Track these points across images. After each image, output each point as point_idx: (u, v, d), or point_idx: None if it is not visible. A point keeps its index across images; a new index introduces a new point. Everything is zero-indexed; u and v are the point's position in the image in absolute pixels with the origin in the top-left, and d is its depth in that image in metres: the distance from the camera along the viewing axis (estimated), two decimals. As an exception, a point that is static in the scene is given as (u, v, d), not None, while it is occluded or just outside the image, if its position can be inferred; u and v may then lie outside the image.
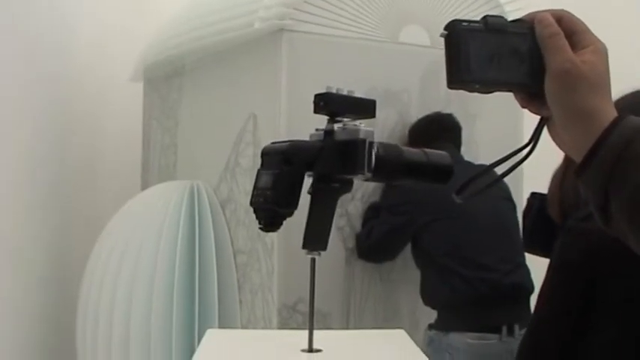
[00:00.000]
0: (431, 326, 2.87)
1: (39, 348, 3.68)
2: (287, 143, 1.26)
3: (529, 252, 2.97)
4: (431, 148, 1.33)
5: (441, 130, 3.01)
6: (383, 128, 2.99)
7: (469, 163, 2.95)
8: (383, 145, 1.26)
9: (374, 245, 2.92)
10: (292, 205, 1.25)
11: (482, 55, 0.92)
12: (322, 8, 2.86)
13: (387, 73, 3.00)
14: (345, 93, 1.27)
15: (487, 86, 0.95)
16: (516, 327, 2.75)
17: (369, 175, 1.24)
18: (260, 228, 1.28)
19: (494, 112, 3.16)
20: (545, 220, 2.83)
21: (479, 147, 3.19)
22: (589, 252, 1.87)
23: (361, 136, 1.24)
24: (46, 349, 3.74)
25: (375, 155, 1.24)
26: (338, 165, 1.25)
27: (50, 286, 3.79)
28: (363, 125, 1.26)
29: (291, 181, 1.26)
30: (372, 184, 2.98)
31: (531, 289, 2.89)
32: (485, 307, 2.79)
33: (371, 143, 1.24)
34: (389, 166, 1.25)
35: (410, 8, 3.05)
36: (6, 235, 3.30)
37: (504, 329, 2.76)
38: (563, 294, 1.98)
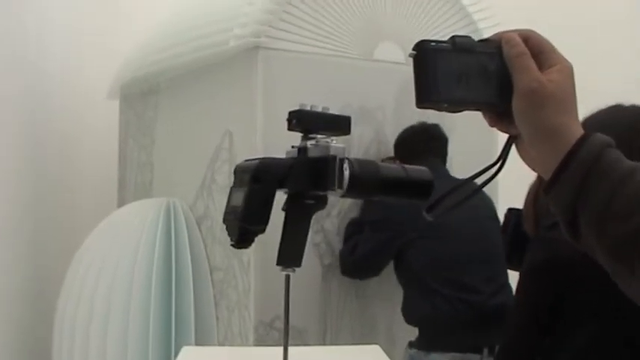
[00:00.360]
0: (411, 344, 2.83)
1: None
2: (257, 161, 1.26)
3: (507, 268, 2.98)
4: (416, 160, 1.33)
5: (427, 140, 2.98)
6: (359, 145, 2.99)
7: (454, 179, 2.93)
8: (358, 162, 1.26)
9: (359, 261, 2.89)
10: (262, 222, 1.25)
11: (450, 74, 0.92)
12: (298, 26, 2.87)
13: (362, 90, 3.01)
14: (319, 110, 1.27)
15: (455, 105, 0.94)
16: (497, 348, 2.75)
17: (341, 191, 1.23)
18: (232, 245, 1.28)
19: (468, 127, 3.17)
20: (522, 236, 2.84)
21: (452, 162, 3.19)
22: (553, 260, 1.89)
23: (332, 152, 1.23)
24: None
25: (350, 171, 1.24)
26: (309, 182, 1.25)
27: (27, 302, 3.75)
28: (335, 142, 1.26)
29: (261, 198, 1.25)
30: (348, 200, 2.98)
31: None
32: (466, 327, 2.77)
33: (342, 160, 1.23)
34: (364, 182, 1.25)
35: (385, 25, 3.06)
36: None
37: (485, 350, 2.75)
38: (532, 302, 1.99)
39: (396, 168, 1.29)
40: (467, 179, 1.04)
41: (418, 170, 1.29)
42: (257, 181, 1.25)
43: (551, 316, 1.91)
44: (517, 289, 2.03)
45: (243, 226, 1.26)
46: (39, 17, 3.90)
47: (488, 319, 2.77)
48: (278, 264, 1.26)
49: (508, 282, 2.90)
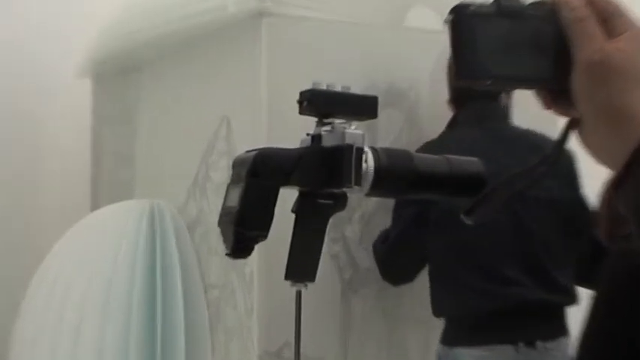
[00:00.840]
0: (440, 340, 2.91)
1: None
2: (256, 151, 1.26)
3: (581, 284, 2.99)
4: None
5: None
6: (386, 133, 3.00)
7: (516, 140, 2.93)
8: (387, 152, 1.26)
9: (392, 247, 2.93)
10: (262, 226, 1.25)
11: (494, 45, 0.92)
12: (310, -13, 2.88)
13: (389, 65, 3.02)
14: (338, 89, 1.28)
15: (501, 83, 0.97)
16: (539, 343, 2.81)
17: (359, 188, 1.24)
18: (227, 254, 1.29)
19: (530, 107, 3.15)
20: (595, 248, 2.86)
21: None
22: (635, 280, 1.87)
23: (347, 140, 1.23)
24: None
25: (376, 164, 1.24)
26: (319, 177, 1.25)
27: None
28: (353, 127, 1.26)
29: (260, 196, 1.26)
30: (373, 202, 2.99)
31: (567, 302, 2.92)
32: (500, 322, 2.84)
33: (360, 149, 1.23)
34: (394, 177, 1.25)
35: (417, -14, 3.07)
36: None
37: (521, 344, 2.82)
38: (608, 333, 1.98)
39: (436, 159, 1.28)
40: (514, 175, 1.04)
41: (466, 162, 1.29)
42: (255, 176, 1.25)
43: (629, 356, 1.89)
44: (590, 314, 2.02)
45: (239, 231, 1.26)
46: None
47: (527, 312, 2.85)
48: (287, 278, 1.26)
49: (557, 276, 2.94)
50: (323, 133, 1.26)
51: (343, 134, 1.24)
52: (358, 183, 1.22)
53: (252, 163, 1.26)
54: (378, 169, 1.23)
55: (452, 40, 0.93)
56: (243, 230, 1.25)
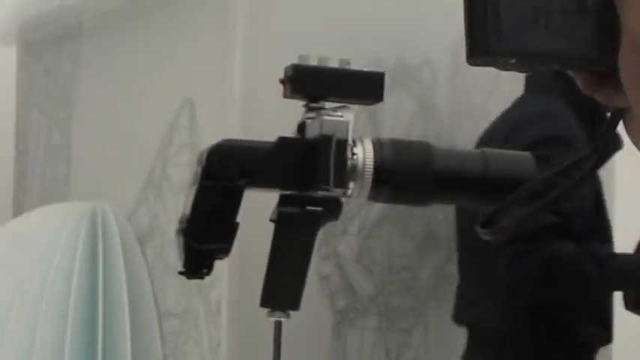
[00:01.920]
0: None
1: None
2: (214, 144, 1.28)
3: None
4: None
5: None
6: (394, 121, 3.02)
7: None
8: (394, 144, 1.25)
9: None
10: (218, 239, 1.27)
11: (520, 12, 0.90)
12: None
13: (399, 38, 3.05)
14: (332, 64, 1.28)
15: (529, 61, 0.94)
16: None
17: (362, 191, 1.24)
18: (180, 272, 1.30)
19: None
20: None
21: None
22: None
23: (324, 130, 1.25)
24: None
25: (377, 160, 1.24)
26: (291, 177, 1.25)
27: None
28: (339, 114, 1.26)
29: (215, 202, 1.27)
30: (375, 210, 3.01)
31: None
32: None
33: (341, 142, 1.24)
34: (403, 177, 1.25)
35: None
36: None
37: None
38: None
39: (468, 155, 1.26)
40: (552, 174, 1.06)
41: (510, 157, 1.27)
42: (210, 176, 1.27)
43: None
44: None
45: (190, 245, 1.28)
46: None
47: None
48: (263, 305, 1.29)
49: None
50: (307, 121, 1.27)
51: (321, 122, 1.25)
52: (340, 184, 1.21)
53: (205, 160, 1.27)
54: (379, 166, 1.22)
55: (466, 10, 0.91)
56: (195, 243, 1.28)
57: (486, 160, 1.24)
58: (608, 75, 0.92)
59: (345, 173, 1.23)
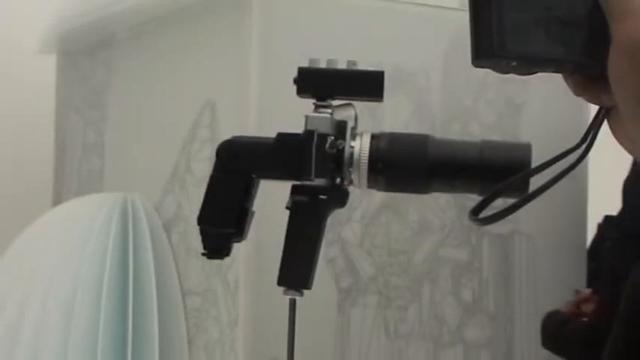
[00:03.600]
0: None
1: None
2: (224, 141, 1.29)
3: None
4: None
5: None
6: (393, 121, 3.01)
7: None
8: (391, 137, 1.24)
9: None
10: (224, 223, 1.29)
11: (521, 20, 0.91)
12: (308, -47, 2.90)
13: (397, 45, 3.03)
14: (341, 66, 1.28)
15: (528, 64, 0.95)
16: None
17: (361, 180, 1.23)
18: (202, 254, 1.31)
19: (547, 101, 3.18)
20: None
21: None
22: None
23: (309, 125, 1.25)
24: None
25: (373, 150, 1.23)
26: (281, 168, 1.25)
27: None
28: (329, 111, 1.26)
29: (222, 190, 1.28)
30: (377, 199, 3.00)
31: None
32: None
33: (322, 135, 1.23)
34: (397, 165, 1.24)
35: (431, -45, 3.08)
36: None
37: None
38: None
39: (465, 144, 1.25)
40: (538, 167, 1.04)
41: (506, 146, 1.23)
42: (219, 168, 1.28)
43: None
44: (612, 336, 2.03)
45: (202, 229, 1.29)
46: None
47: None
48: (280, 284, 1.27)
49: None
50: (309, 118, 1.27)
51: (306, 118, 1.25)
52: (321, 174, 1.22)
53: (216, 154, 1.29)
54: (374, 156, 1.22)
55: (471, 14, 0.93)
56: (208, 228, 1.31)
57: (482, 149, 1.22)
58: (596, 78, 0.93)
59: (326, 164, 1.23)
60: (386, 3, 3.02)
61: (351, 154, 1.21)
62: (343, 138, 1.22)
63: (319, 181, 1.23)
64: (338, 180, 1.22)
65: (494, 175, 1.18)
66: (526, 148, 1.20)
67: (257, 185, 1.31)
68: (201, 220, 1.30)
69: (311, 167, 1.21)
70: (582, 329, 2.76)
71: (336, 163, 1.21)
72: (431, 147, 1.22)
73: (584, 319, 2.89)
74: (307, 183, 1.24)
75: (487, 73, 2.81)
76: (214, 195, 1.29)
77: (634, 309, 2.02)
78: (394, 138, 1.22)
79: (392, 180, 1.22)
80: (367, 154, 1.20)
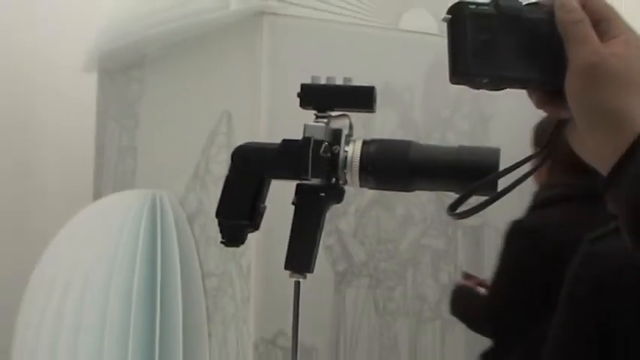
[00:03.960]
0: None
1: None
2: (237, 146, 1.29)
3: None
4: None
5: None
6: (381, 131, 3.01)
7: None
8: (379, 142, 1.23)
9: None
10: (239, 216, 1.29)
11: (491, 44, 0.91)
12: (311, -12, 2.89)
13: (385, 65, 3.02)
14: (340, 82, 1.27)
15: (497, 82, 0.94)
16: None
17: (353, 179, 1.22)
18: (221, 242, 1.32)
19: (512, 114, 3.18)
20: None
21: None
22: (599, 283, 1.85)
23: (306, 133, 1.23)
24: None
25: (363, 154, 1.23)
26: (285, 169, 1.25)
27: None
28: (323, 120, 1.26)
29: (236, 188, 1.28)
30: (368, 196, 3.00)
31: None
32: None
33: (318, 142, 1.23)
34: (383, 166, 1.22)
35: (414, -11, 3.08)
36: None
37: None
38: (572, 339, 1.97)
39: (443, 149, 1.22)
40: (503, 171, 1.04)
41: (479, 150, 1.20)
42: (234, 169, 1.29)
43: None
44: (554, 319, 2.00)
45: (219, 220, 1.30)
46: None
47: None
48: (286, 268, 1.27)
49: None
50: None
51: (304, 127, 1.24)
52: (317, 175, 1.21)
53: (231, 155, 1.30)
54: (364, 159, 1.22)
55: (449, 39, 0.92)
56: (223, 220, 1.30)
57: (458, 153, 1.19)
58: (555, 94, 0.93)
59: (321, 166, 1.22)
60: (376, 30, 3.02)
61: (345, 158, 1.21)
62: (338, 143, 1.22)
63: (318, 181, 1.23)
64: (334, 180, 1.22)
65: (468, 175, 1.16)
66: (495, 152, 1.16)
67: (268, 184, 1.31)
68: (218, 213, 1.30)
69: (308, 168, 1.21)
70: (481, 305, 2.75)
71: (332, 165, 1.21)
72: (413, 151, 1.20)
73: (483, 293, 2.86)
74: (309, 182, 1.24)
75: (462, 90, 2.82)
76: (229, 192, 1.29)
77: (576, 289, 1.99)
78: (381, 143, 1.21)
79: (380, 179, 1.22)
80: (358, 158, 1.20)
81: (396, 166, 1.21)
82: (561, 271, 1.88)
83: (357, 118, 1.27)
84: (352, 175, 1.22)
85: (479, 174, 1.13)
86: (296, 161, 1.23)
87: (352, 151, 1.22)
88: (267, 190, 1.32)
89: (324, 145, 1.22)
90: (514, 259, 2.67)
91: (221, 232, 1.32)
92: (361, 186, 1.24)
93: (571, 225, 2.42)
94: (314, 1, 2.89)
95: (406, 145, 1.22)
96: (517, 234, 2.66)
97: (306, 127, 1.23)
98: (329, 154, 1.22)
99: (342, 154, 1.23)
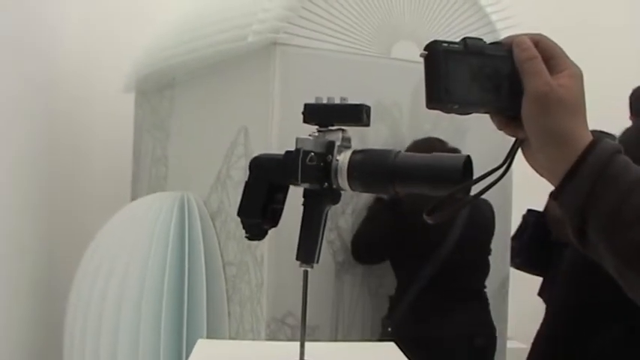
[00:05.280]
0: None
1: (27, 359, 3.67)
2: (253, 157, 1.30)
3: (522, 269, 2.98)
4: None
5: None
6: (374, 142, 3.00)
7: None
8: (365, 151, 1.23)
9: None
10: (255, 215, 1.29)
11: (460, 76, 0.92)
12: (316, 22, 2.88)
13: (378, 87, 3.02)
14: (337, 101, 1.28)
15: (465, 107, 0.95)
16: None
17: (344, 182, 1.21)
18: (245, 237, 1.32)
19: (485, 128, 3.16)
20: (542, 238, 2.84)
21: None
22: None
23: (298, 145, 1.24)
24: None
25: (350, 161, 1.22)
26: (284, 175, 1.26)
27: (38, 298, 3.78)
28: (314, 134, 1.26)
29: (253, 191, 1.29)
30: (362, 199, 3.00)
31: None
32: None
33: (306, 152, 1.23)
34: (366, 171, 1.21)
35: (402, 24, 3.08)
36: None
37: None
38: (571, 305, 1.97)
39: (421, 156, 1.21)
40: (470, 182, 1.04)
41: (446, 157, 1.19)
42: (251, 176, 1.30)
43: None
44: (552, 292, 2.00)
45: (241, 219, 1.30)
46: (55, 10, 3.93)
47: None
48: (297, 259, 1.27)
49: None
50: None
51: (296, 140, 1.25)
52: (306, 180, 1.22)
53: (250, 164, 1.31)
54: (351, 166, 1.21)
55: (426, 71, 0.93)
56: (244, 218, 1.31)
57: (430, 160, 1.19)
58: (513, 118, 0.95)
59: (310, 172, 1.22)
60: (371, 58, 3.02)
61: (337, 166, 1.22)
62: (331, 153, 1.23)
63: (312, 186, 1.23)
64: (326, 184, 1.22)
65: (436, 178, 1.15)
66: (459, 159, 1.14)
67: (285, 189, 1.32)
68: (239, 212, 1.30)
69: (298, 175, 1.22)
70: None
71: (326, 172, 1.22)
72: (392, 159, 1.18)
73: None
74: (312, 188, 1.24)
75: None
76: (247, 195, 1.30)
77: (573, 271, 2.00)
78: (366, 153, 1.21)
79: (365, 184, 1.21)
80: (346, 165, 1.20)
81: (377, 172, 1.20)
82: None
83: (354, 132, 1.27)
84: (343, 180, 1.22)
85: (445, 177, 1.13)
86: (289, 169, 1.24)
87: (342, 159, 1.23)
88: (285, 194, 1.32)
89: (309, 155, 1.22)
90: None
91: (244, 228, 1.33)
92: (352, 190, 1.23)
93: None
94: (318, 34, 2.89)
95: (387, 153, 1.21)
96: None
97: (297, 140, 1.24)
98: (315, 163, 1.22)
99: (334, 162, 1.23)
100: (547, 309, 2.35)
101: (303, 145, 1.23)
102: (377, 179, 1.21)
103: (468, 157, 1.12)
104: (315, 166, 1.23)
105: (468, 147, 3.21)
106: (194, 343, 1.54)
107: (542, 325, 2.16)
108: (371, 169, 1.21)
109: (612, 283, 0.90)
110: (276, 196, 1.32)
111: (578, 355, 1.96)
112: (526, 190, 2.96)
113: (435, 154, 1.20)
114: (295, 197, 1.30)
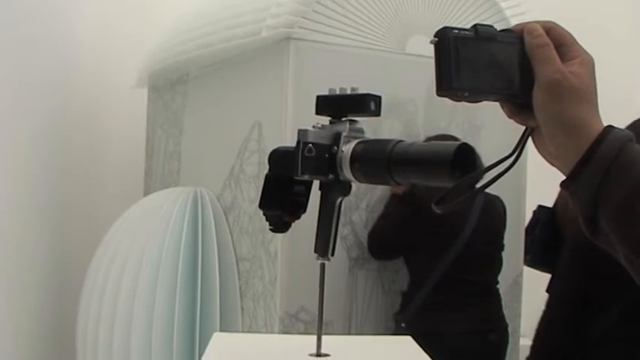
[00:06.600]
0: None
1: (39, 353, 3.69)
2: (272, 151, 1.30)
3: (533, 267, 2.97)
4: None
5: None
6: (389, 137, 3.00)
7: None
8: (367, 142, 1.22)
9: None
10: (272, 207, 1.29)
11: (471, 63, 0.92)
12: (330, 17, 2.89)
13: (393, 82, 3.02)
14: (348, 92, 1.27)
15: (475, 95, 0.94)
16: None
17: (347, 173, 1.21)
18: (270, 229, 1.32)
19: (499, 123, 3.16)
20: (552, 235, 2.84)
21: (484, 159, 3.20)
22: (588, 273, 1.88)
23: (299, 137, 1.23)
24: (46, 354, 3.75)
25: (352, 152, 1.22)
26: (291, 168, 1.24)
27: (52, 291, 3.80)
28: (318, 125, 1.26)
29: (270, 184, 1.29)
30: (377, 194, 3.01)
31: None
32: None
33: (305, 144, 1.22)
34: (366, 161, 1.21)
35: (417, 19, 3.08)
36: (7, 238, 3.32)
37: None
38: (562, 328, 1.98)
39: (419, 145, 1.18)
40: (479, 171, 1.04)
41: (439, 145, 1.17)
42: (269, 169, 1.30)
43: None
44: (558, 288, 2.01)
45: (263, 211, 1.31)
46: (70, 7, 3.95)
47: None
48: (316, 252, 1.28)
49: None
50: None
51: (297, 132, 1.24)
52: (305, 171, 1.22)
53: (268, 158, 1.30)
54: (353, 157, 1.20)
55: (436, 58, 0.92)
56: (263, 210, 1.31)
57: (427, 147, 1.17)
58: (524, 105, 0.94)
59: (308, 163, 1.21)
60: (386, 53, 3.02)
61: (341, 157, 1.22)
62: (337, 145, 1.22)
63: (321, 178, 1.22)
64: (331, 176, 1.22)
65: (426, 165, 1.12)
66: (450, 146, 1.09)
67: (308, 183, 1.31)
68: (260, 205, 1.30)
69: (298, 166, 1.22)
70: None
71: (330, 163, 1.22)
72: (390, 149, 1.16)
73: None
74: (314, 179, 1.25)
75: (456, 103, 2.80)
76: (267, 188, 1.30)
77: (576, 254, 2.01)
78: (368, 143, 1.19)
79: (366, 174, 1.21)
80: (349, 156, 1.20)
81: (375, 161, 1.19)
82: None
83: (369, 128, 1.27)
84: (346, 172, 1.22)
85: (436, 164, 1.10)
86: (291, 161, 1.24)
87: (346, 150, 1.22)
88: (307, 187, 1.30)
89: (307, 146, 1.22)
90: None
91: (267, 220, 1.33)
92: (356, 180, 1.22)
93: None
94: (332, 29, 2.89)
95: (387, 143, 1.19)
96: None
97: (298, 131, 1.23)
98: (314, 154, 1.22)
99: (339, 153, 1.23)
100: (549, 292, 2.38)
101: (303, 137, 1.23)
102: (375, 169, 1.19)
103: (464, 144, 1.08)
104: (314, 158, 1.22)
105: (482, 143, 3.21)
106: (207, 338, 1.54)
107: (546, 309, 2.19)
108: (370, 158, 1.20)
109: (612, 263, 0.90)
110: (296, 189, 1.32)
111: (582, 335, 1.97)
112: (540, 187, 2.96)
113: (432, 142, 1.20)
114: (313, 192, 1.31)
